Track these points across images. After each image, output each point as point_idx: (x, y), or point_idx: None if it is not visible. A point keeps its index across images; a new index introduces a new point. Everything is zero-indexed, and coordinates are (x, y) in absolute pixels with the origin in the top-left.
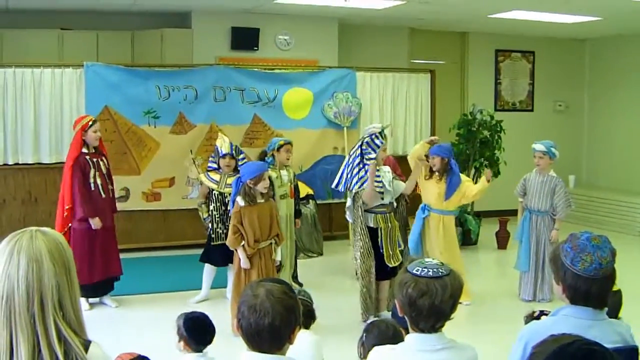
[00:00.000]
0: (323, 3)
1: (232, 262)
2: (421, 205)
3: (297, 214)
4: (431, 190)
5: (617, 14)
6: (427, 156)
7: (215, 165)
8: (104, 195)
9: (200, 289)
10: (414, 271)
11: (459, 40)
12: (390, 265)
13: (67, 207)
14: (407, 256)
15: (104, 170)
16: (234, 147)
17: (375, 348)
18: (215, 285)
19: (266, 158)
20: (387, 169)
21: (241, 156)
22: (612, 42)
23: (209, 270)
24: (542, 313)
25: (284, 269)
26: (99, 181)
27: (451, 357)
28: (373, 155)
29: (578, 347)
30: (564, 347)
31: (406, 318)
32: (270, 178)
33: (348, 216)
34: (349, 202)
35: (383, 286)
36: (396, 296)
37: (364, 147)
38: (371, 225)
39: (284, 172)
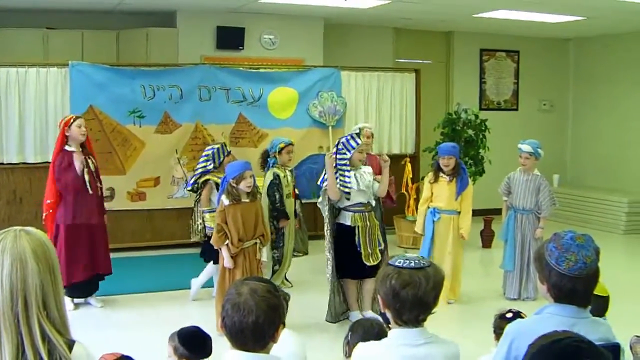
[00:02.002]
0: (308, 2)
1: None
2: (430, 210)
3: (296, 214)
4: (441, 192)
5: (601, 13)
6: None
7: (214, 166)
8: (91, 192)
9: (188, 288)
10: (397, 263)
11: (444, 40)
12: (369, 264)
13: (48, 202)
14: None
15: (93, 168)
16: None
17: (360, 344)
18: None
19: (268, 158)
20: (367, 169)
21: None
22: (596, 42)
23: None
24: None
25: (283, 266)
26: (86, 177)
27: (434, 352)
28: (347, 156)
29: (567, 343)
30: (553, 343)
31: (389, 312)
32: (279, 176)
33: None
34: (320, 198)
35: (364, 285)
36: (378, 290)
37: (339, 147)
38: (348, 223)
39: (287, 172)
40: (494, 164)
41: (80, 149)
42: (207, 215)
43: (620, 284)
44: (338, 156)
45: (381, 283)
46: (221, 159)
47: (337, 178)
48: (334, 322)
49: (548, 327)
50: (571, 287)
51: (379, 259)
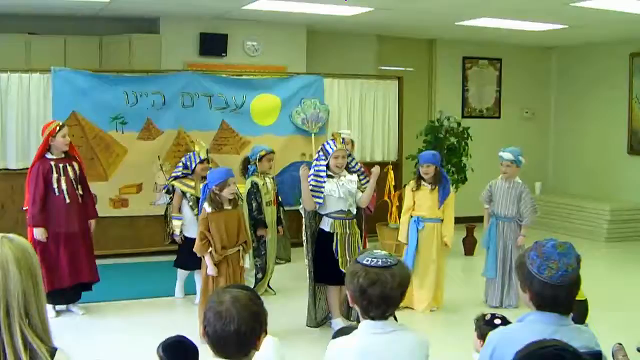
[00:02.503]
0: (291, 10)
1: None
2: (413, 219)
3: (279, 221)
4: (424, 201)
5: (583, 22)
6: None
7: (187, 172)
8: (68, 201)
9: (171, 294)
10: (364, 262)
11: (426, 47)
12: (345, 271)
13: (24, 208)
14: None
15: (72, 176)
16: (208, 153)
17: (331, 341)
18: (187, 291)
19: (249, 166)
20: (352, 177)
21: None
22: (578, 50)
23: (184, 274)
24: (492, 319)
25: (267, 274)
26: (64, 186)
27: (403, 337)
28: (323, 162)
29: (550, 351)
30: (537, 350)
31: (357, 307)
32: (257, 185)
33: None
34: (302, 204)
35: (336, 291)
36: (347, 286)
37: (320, 154)
38: (327, 229)
39: (267, 180)
40: (476, 171)
41: (62, 155)
42: (173, 222)
43: (602, 292)
44: (316, 162)
45: (350, 279)
46: (193, 165)
47: (310, 183)
48: (316, 327)
49: (530, 335)
50: (553, 294)
51: None
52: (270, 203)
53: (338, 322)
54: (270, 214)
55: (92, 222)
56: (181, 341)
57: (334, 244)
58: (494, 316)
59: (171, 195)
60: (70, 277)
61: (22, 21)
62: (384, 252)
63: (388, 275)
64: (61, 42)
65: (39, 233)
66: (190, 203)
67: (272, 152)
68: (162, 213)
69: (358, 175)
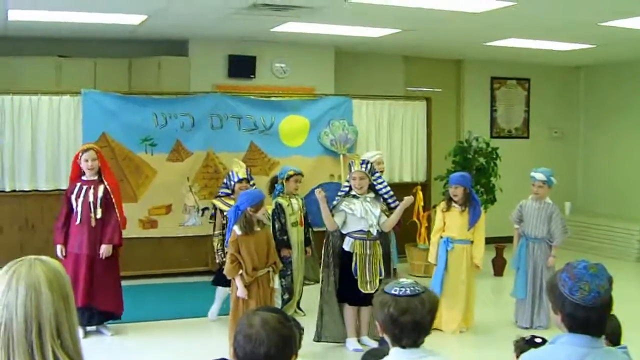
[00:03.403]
0: (319, 31)
1: None
2: (442, 240)
3: (307, 242)
4: (454, 222)
5: (612, 41)
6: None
7: (227, 191)
8: (78, 222)
9: (202, 315)
10: (393, 291)
11: (454, 68)
12: (364, 292)
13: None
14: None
15: (91, 199)
16: (248, 173)
17: None
18: (221, 312)
19: (276, 185)
20: (376, 200)
21: (252, 182)
22: (607, 70)
23: (223, 291)
24: (533, 338)
25: (293, 296)
26: (79, 208)
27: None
28: (347, 183)
29: None
30: None
31: (387, 337)
32: (281, 205)
33: None
34: None
35: (362, 312)
36: (376, 317)
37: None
38: (347, 249)
39: (293, 200)
40: (505, 191)
41: (95, 178)
42: (215, 239)
43: (633, 313)
44: (345, 183)
45: (379, 310)
46: (232, 184)
47: (332, 203)
48: (317, 341)
49: (561, 357)
50: (585, 316)
51: (377, 288)
52: (297, 224)
53: (352, 342)
54: (296, 234)
55: (104, 247)
56: None
57: (354, 263)
58: (534, 337)
59: (214, 214)
60: (83, 299)
61: (53, 44)
62: (410, 281)
63: (418, 303)
64: (91, 64)
65: (57, 249)
66: (225, 222)
67: (301, 173)
68: (192, 234)
69: (385, 199)
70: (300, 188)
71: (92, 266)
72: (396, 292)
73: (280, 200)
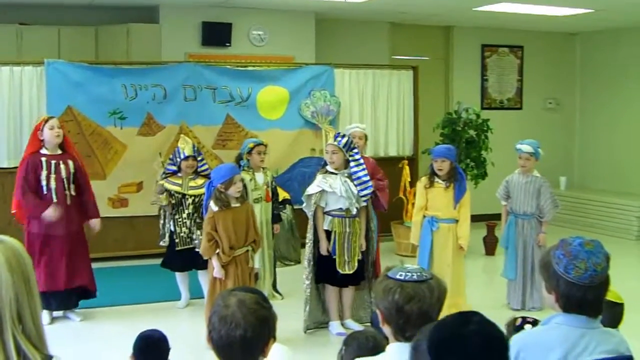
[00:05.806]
0: None
1: (193, 268)
2: (427, 219)
3: (276, 218)
4: (438, 199)
5: (610, 6)
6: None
7: (174, 168)
8: (55, 200)
9: (175, 299)
10: (397, 276)
11: (443, 35)
12: (342, 272)
13: (12, 212)
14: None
15: (64, 174)
16: (195, 149)
17: None
18: (194, 294)
19: (241, 161)
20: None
21: (200, 157)
22: (605, 36)
23: (179, 275)
24: (524, 321)
25: (263, 278)
26: (52, 185)
27: None
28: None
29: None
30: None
31: (388, 328)
32: (243, 181)
33: None
34: (304, 203)
35: (344, 294)
36: (378, 305)
37: None
38: (326, 227)
39: (259, 175)
40: (496, 166)
41: (58, 152)
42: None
43: (632, 293)
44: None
45: (382, 297)
46: (177, 162)
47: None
48: (304, 332)
49: (556, 338)
50: (581, 296)
51: (355, 269)
52: (260, 199)
53: (335, 326)
54: (262, 211)
55: (97, 222)
56: (157, 336)
57: (332, 242)
58: (524, 320)
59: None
60: (66, 281)
61: (13, 10)
62: (416, 266)
63: (426, 289)
64: (55, 32)
65: (50, 213)
66: (174, 201)
67: (262, 143)
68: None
69: (356, 185)
70: (280, 163)
71: (70, 247)
72: (402, 277)
73: (242, 174)
